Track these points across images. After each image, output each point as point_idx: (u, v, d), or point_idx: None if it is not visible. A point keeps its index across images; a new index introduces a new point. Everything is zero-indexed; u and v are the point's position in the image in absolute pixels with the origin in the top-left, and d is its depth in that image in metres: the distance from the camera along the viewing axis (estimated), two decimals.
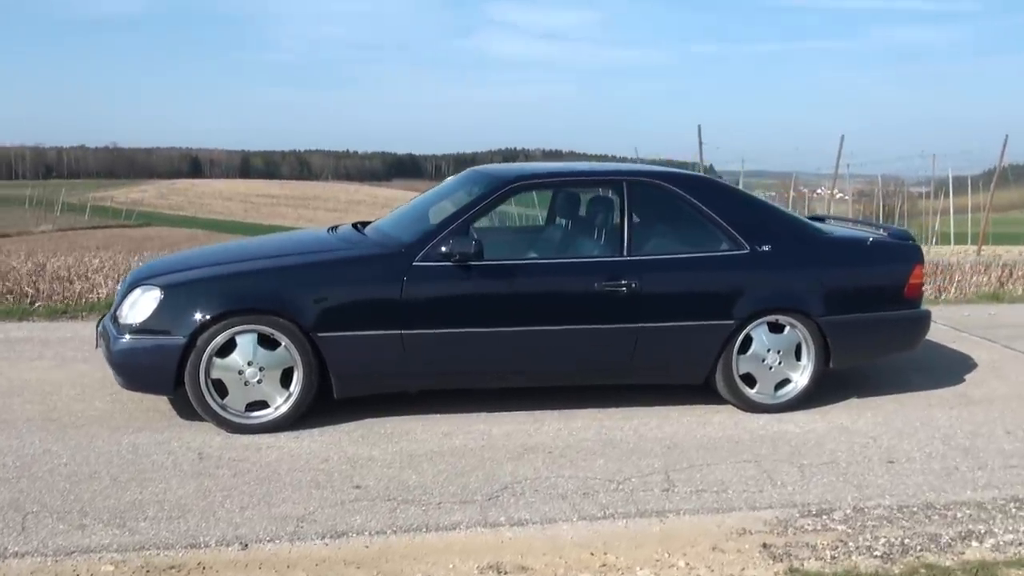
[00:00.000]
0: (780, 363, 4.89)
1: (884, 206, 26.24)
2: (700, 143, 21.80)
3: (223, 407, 4.34)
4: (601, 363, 4.74)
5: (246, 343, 4.31)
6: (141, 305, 4.32)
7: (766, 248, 4.85)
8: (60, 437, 4.26)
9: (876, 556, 3.25)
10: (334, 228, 5.23)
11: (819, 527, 3.49)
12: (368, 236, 4.98)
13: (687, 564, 3.17)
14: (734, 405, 4.91)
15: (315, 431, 4.43)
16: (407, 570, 3.09)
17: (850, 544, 3.33)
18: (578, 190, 5.21)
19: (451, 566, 3.12)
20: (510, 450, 4.26)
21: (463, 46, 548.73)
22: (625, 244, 4.72)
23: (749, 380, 4.89)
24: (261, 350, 4.33)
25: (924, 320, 5.21)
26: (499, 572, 3.09)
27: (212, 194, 76.48)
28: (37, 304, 7.32)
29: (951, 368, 5.93)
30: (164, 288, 4.34)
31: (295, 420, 4.42)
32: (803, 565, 3.16)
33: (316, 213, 58.80)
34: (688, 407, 4.94)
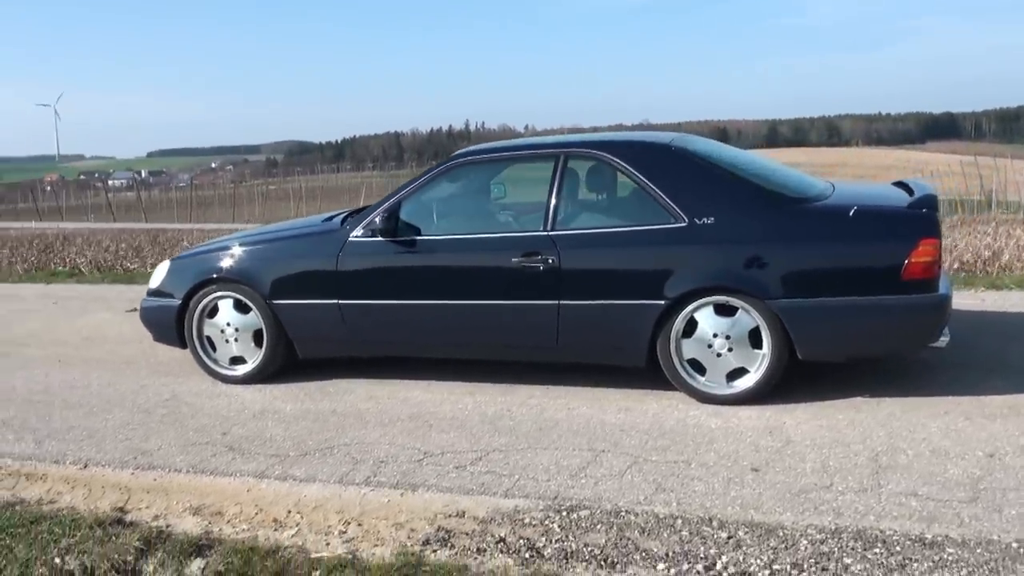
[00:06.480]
0: (730, 350, 4.32)
1: None
2: None
3: (215, 360, 5.23)
4: (526, 340, 4.65)
5: (225, 307, 5.13)
6: (158, 273, 5.39)
7: (708, 220, 4.30)
8: (110, 376, 5.53)
9: (526, 557, 2.98)
10: (330, 218, 5.51)
11: (532, 522, 3.23)
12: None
13: (341, 532, 3.26)
14: (687, 394, 4.47)
15: (280, 385, 5.11)
16: (144, 500, 3.65)
17: (523, 542, 3.07)
18: (521, 165, 5.05)
19: (174, 502, 3.61)
20: (394, 416, 4.48)
21: None
22: (548, 218, 4.56)
23: (698, 367, 4.42)
24: (236, 314, 5.12)
25: (934, 308, 4.14)
26: (195, 513, 3.50)
27: None
28: None
29: None
30: (173, 260, 5.35)
31: (269, 374, 5.15)
32: (434, 553, 3.04)
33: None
34: (646, 392, 4.61)
